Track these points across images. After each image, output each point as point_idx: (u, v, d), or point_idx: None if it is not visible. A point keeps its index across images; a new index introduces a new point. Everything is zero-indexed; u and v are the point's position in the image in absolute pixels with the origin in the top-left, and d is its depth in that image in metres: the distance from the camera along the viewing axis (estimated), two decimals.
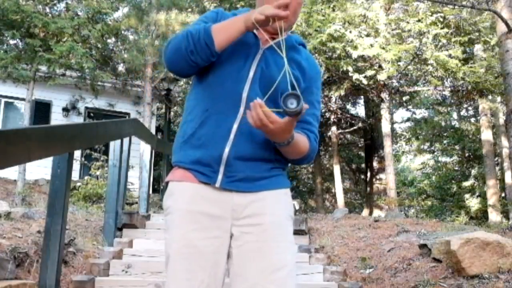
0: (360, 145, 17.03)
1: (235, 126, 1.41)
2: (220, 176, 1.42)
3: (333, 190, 17.07)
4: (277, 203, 1.46)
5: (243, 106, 1.42)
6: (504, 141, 11.87)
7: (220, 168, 1.42)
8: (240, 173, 1.42)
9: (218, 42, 1.38)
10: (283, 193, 1.50)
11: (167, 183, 1.51)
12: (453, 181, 15.06)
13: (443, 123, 15.50)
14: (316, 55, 9.42)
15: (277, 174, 1.50)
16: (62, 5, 8.67)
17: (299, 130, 1.45)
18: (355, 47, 8.87)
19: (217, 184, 1.42)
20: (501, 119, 12.74)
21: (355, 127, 13.94)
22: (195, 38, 1.38)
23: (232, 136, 1.41)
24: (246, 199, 1.43)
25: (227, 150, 1.41)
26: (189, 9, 10.97)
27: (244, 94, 1.43)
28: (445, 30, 9.06)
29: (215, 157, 1.41)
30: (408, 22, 9.12)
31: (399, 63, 9.41)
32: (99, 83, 9.60)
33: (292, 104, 1.27)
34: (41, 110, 11.42)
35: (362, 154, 16.97)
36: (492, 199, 11.78)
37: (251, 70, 1.45)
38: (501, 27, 5.88)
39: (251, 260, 1.39)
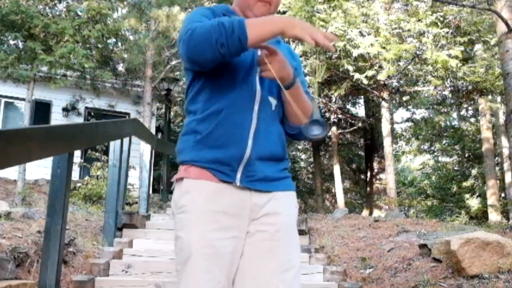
0: (360, 145, 17.04)
1: (253, 126, 1.42)
2: (239, 175, 1.42)
3: (333, 190, 17.07)
4: (288, 204, 1.50)
5: (257, 105, 1.44)
6: (504, 141, 11.86)
7: (240, 167, 1.42)
8: (259, 173, 1.43)
9: (251, 40, 1.30)
10: (292, 195, 1.54)
11: (178, 179, 1.46)
12: (453, 181, 15.05)
13: (443, 123, 15.49)
14: (317, 54, 9.43)
15: (287, 176, 1.54)
16: (62, 6, 8.67)
17: None
18: (356, 46, 8.87)
19: (237, 183, 1.41)
20: (501, 119, 12.73)
21: (355, 127, 13.94)
22: (229, 31, 1.28)
23: (251, 134, 1.42)
24: (263, 199, 1.45)
25: (248, 150, 1.41)
26: (189, 9, 10.97)
27: (258, 94, 1.44)
28: (445, 30, 9.07)
29: (236, 157, 1.41)
30: (408, 22, 9.12)
31: (399, 63, 9.42)
32: (99, 83, 9.60)
33: (317, 131, 1.36)
34: (41, 110, 11.42)
35: (362, 154, 16.97)
36: (492, 199, 11.78)
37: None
38: (501, 27, 5.88)
39: (262, 259, 1.41)
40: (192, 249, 1.38)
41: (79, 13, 7.97)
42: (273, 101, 1.46)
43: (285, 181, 1.52)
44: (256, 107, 1.43)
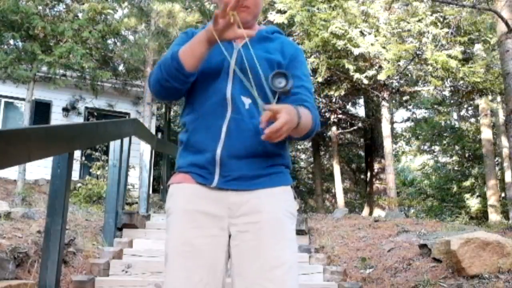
0: (360, 145, 17.02)
1: (224, 127, 1.45)
2: (216, 177, 1.45)
3: (333, 190, 17.08)
4: (274, 200, 1.45)
5: (230, 106, 1.45)
6: (504, 141, 11.87)
7: (216, 169, 1.45)
8: (235, 172, 1.44)
9: (187, 64, 1.40)
10: (282, 190, 1.49)
11: (169, 186, 1.55)
12: (453, 181, 15.05)
13: (443, 123, 15.49)
14: (317, 53, 9.43)
15: (276, 172, 1.49)
16: (62, 7, 8.66)
17: (293, 104, 1.42)
18: (356, 45, 8.87)
19: (213, 185, 1.44)
20: (501, 119, 12.73)
21: (355, 127, 13.95)
22: (166, 67, 1.42)
23: (222, 136, 1.44)
24: (242, 197, 1.44)
25: (219, 150, 1.44)
26: (189, 9, 10.96)
27: (228, 95, 1.46)
28: (445, 30, 9.07)
29: (209, 159, 1.45)
30: (408, 22, 9.11)
31: (399, 63, 9.42)
32: (99, 83, 9.59)
33: (280, 83, 1.33)
34: (41, 110, 11.42)
35: (362, 154, 16.95)
36: (492, 199, 11.79)
37: (230, 71, 1.48)
38: (501, 27, 5.88)
39: (248, 259, 1.40)
40: (170, 247, 1.43)
41: (79, 14, 7.96)
42: (246, 100, 1.45)
43: (272, 177, 1.47)
44: (229, 109, 1.45)
